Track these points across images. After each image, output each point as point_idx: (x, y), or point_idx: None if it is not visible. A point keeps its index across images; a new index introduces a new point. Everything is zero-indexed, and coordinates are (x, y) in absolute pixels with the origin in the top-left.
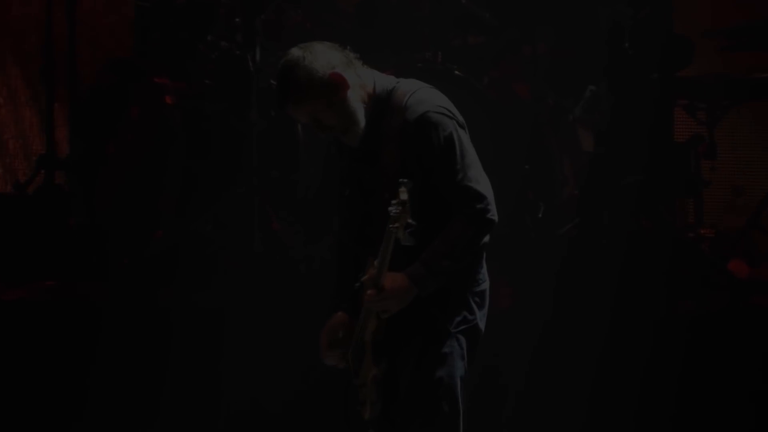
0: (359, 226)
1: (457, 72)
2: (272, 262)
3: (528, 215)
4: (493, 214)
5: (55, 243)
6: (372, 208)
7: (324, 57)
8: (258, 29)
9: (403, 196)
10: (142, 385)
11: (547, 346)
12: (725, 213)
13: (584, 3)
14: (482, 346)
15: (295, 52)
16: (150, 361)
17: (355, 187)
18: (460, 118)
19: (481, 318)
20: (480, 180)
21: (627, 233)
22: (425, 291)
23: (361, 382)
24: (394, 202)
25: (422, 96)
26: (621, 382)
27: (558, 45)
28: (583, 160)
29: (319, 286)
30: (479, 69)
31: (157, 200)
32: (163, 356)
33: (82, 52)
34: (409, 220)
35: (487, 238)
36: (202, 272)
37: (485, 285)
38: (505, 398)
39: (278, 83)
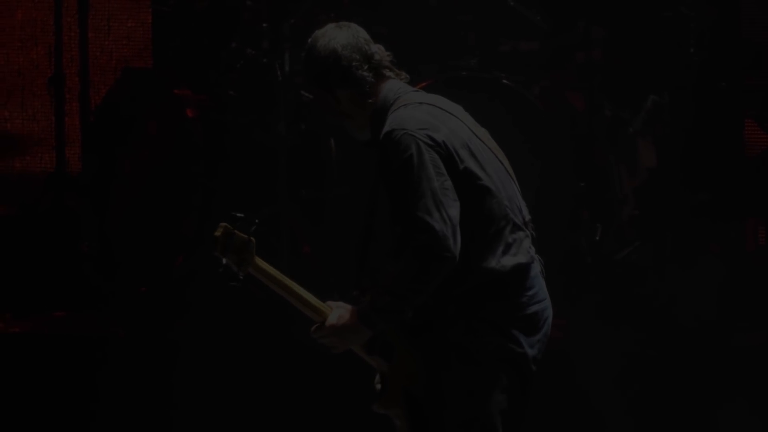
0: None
1: (504, 81)
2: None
3: (583, 238)
4: (445, 250)
5: (65, 270)
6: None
7: (336, 42)
8: (286, 35)
9: (217, 232)
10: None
11: (602, 383)
12: None
13: (645, 4)
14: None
15: (327, 28)
16: (169, 402)
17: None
18: (440, 141)
19: (531, 345)
20: (434, 212)
21: (693, 258)
22: (374, 329)
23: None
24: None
25: (401, 113)
26: (673, 418)
27: (616, 50)
28: (644, 177)
29: None
30: (529, 77)
31: (176, 223)
32: (186, 396)
33: (95, 61)
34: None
35: (439, 276)
36: (226, 301)
37: (536, 308)
38: None
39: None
